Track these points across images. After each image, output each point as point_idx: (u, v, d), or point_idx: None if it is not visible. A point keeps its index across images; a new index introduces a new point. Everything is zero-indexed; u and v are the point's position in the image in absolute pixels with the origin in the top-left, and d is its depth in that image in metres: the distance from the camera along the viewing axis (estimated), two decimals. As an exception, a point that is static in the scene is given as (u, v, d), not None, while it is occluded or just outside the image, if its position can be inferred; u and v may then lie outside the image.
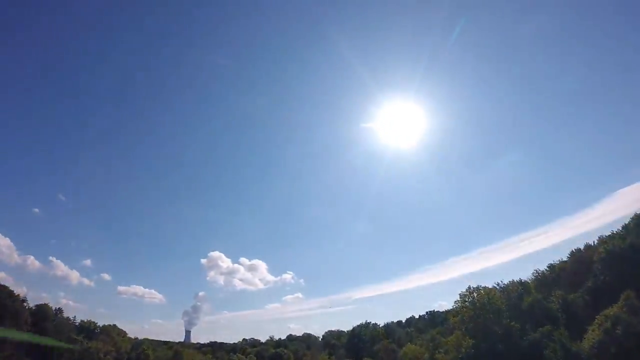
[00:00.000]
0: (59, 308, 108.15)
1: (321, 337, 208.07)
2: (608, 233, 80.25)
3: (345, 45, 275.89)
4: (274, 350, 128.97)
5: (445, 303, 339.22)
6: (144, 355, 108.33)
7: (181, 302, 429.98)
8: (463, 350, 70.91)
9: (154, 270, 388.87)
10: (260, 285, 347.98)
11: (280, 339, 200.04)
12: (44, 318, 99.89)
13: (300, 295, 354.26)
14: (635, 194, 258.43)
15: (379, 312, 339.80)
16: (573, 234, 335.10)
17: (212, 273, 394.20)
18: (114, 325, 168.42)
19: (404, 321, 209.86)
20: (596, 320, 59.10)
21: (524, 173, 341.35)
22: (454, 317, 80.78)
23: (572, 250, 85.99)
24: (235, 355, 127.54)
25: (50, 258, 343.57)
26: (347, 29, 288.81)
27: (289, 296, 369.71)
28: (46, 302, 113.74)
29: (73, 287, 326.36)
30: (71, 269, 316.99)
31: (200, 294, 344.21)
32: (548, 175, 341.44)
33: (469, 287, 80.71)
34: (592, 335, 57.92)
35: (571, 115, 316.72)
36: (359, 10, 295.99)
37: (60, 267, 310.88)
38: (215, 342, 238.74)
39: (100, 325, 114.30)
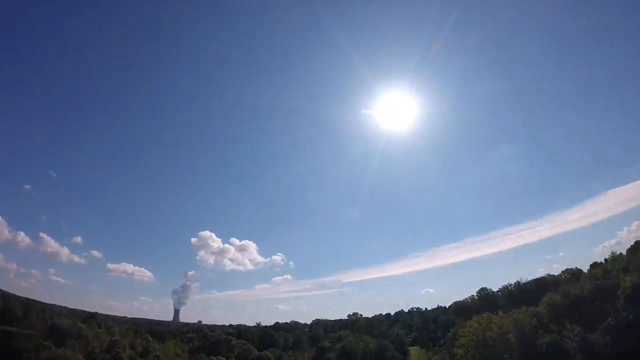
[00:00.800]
0: (26, 309, 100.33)
1: (308, 326, 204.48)
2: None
3: (344, 40, 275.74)
4: (258, 354, 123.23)
5: (432, 290, 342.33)
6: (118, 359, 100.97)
7: (171, 281, 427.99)
8: None
9: (145, 248, 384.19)
10: (250, 266, 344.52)
11: (267, 326, 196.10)
12: (11, 320, 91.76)
13: (289, 277, 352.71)
14: (625, 195, 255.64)
15: (367, 296, 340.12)
16: (561, 231, 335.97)
17: (202, 252, 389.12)
18: (95, 314, 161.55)
19: (392, 314, 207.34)
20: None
21: (515, 167, 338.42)
22: (458, 347, 74.69)
23: (588, 274, 79.54)
24: (216, 358, 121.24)
25: (41, 235, 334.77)
26: (344, 22, 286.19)
27: (278, 277, 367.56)
28: (16, 296, 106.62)
29: (63, 264, 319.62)
30: (62, 246, 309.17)
31: (190, 273, 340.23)
32: (539, 172, 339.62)
33: (480, 319, 74.36)
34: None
35: (566, 114, 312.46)
36: (356, 7, 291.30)
37: (51, 244, 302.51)
38: (202, 323, 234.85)
39: (73, 323, 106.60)
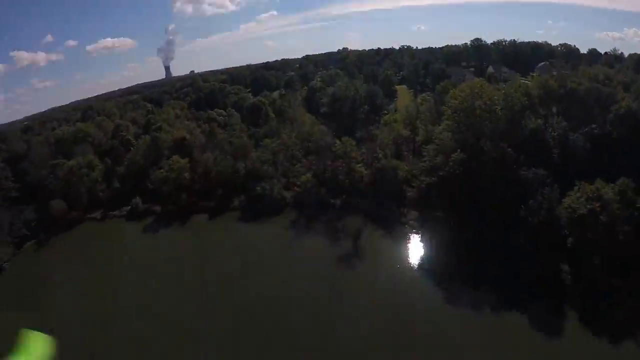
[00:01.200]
0: (27, 138, 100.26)
1: (299, 61, 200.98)
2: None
3: None
4: (252, 100, 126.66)
5: (424, 27, 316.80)
6: (125, 142, 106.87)
7: (153, 41, 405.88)
8: (451, 163, 67.80)
9: (116, 17, 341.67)
10: (232, 7, 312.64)
11: (258, 64, 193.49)
12: (18, 160, 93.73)
13: (275, 12, 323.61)
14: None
15: (357, 31, 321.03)
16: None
17: (177, 4, 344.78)
18: (92, 105, 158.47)
19: (382, 48, 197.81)
20: (587, 189, 57.44)
21: None
22: (447, 107, 75.51)
23: (589, 72, 72.67)
24: (213, 112, 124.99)
25: (11, 54, 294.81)
26: None
27: (264, 15, 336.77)
28: (12, 125, 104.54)
29: (44, 68, 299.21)
30: (35, 52, 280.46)
31: (170, 27, 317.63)
32: None
33: (472, 85, 72.62)
34: (576, 203, 57.24)
35: None
36: None
37: (24, 56, 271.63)
38: (195, 73, 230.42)
39: (72, 128, 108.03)
